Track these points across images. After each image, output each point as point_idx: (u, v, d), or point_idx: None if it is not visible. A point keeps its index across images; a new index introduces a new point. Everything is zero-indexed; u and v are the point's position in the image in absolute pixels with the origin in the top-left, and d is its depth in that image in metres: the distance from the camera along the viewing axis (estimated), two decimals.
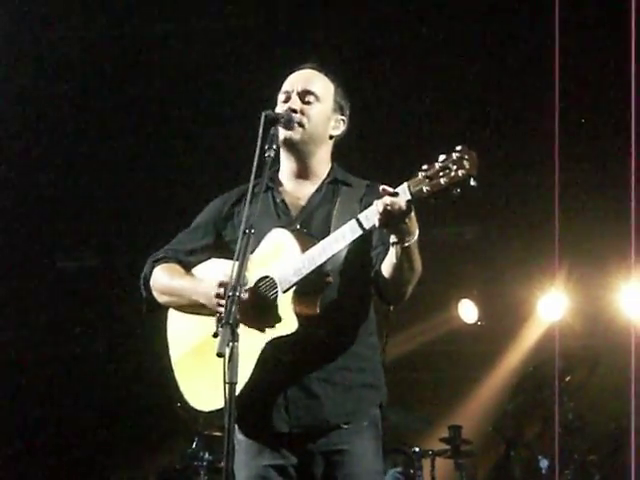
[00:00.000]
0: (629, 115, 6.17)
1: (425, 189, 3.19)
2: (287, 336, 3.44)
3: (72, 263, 8.86)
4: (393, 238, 3.35)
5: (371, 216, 3.32)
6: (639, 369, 6.67)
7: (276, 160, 3.69)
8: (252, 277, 3.51)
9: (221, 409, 3.34)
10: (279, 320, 3.47)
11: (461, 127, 7.17)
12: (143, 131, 7.69)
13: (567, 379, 7.38)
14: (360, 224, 3.35)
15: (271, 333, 3.48)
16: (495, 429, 8.01)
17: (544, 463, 7.33)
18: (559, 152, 6.61)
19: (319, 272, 3.44)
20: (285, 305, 3.46)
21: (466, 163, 3.15)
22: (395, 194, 3.24)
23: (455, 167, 3.15)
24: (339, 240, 3.40)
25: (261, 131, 3.48)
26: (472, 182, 3.16)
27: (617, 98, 6.39)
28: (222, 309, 3.31)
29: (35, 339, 8.69)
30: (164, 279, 3.76)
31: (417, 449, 6.99)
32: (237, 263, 3.23)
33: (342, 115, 3.80)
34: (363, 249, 3.55)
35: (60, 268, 8.84)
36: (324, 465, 3.56)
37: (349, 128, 3.81)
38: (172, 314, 3.82)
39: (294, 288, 3.46)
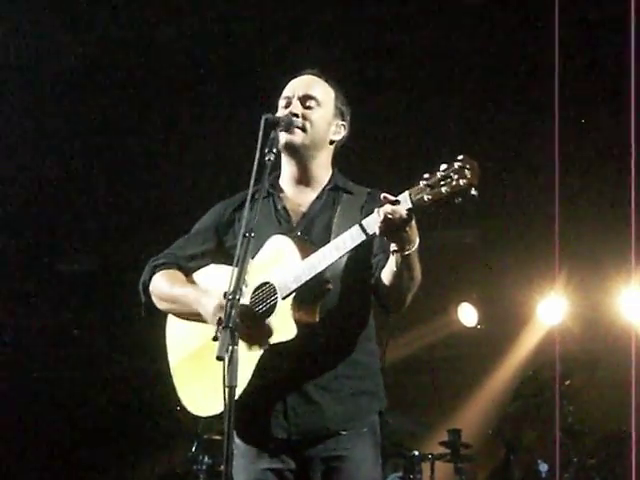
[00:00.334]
0: (629, 120, 6.17)
1: (426, 198, 3.19)
2: (286, 342, 3.43)
3: (72, 266, 8.86)
4: (393, 246, 3.35)
5: (372, 224, 3.31)
6: (639, 373, 6.67)
7: (276, 165, 3.69)
8: (252, 283, 3.49)
9: (219, 414, 3.36)
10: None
11: (462, 131, 7.18)
12: (143, 135, 7.69)
13: (567, 383, 7.37)
14: (363, 231, 3.35)
15: (270, 339, 3.47)
16: (495, 433, 8.01)
17: (544, 467, 7.33)
18: (559, 156, 6.61)
19: (319, 279, 3.43)
20: (284, 312, 3.45)
21: (467, 172, 3.15)
22: (396, 202, 3.23)
23: (456, 176, 3.15)
24: (339, 247, 3.40)
25: (261, 135, 3.48)
26: (473, 191, 3.16)
27: (617, 102, 6.39)
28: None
29: (35, 342, 8.69)
30: (164, 286, 3.76)
31: (417, 453, 7.00)
32: (237, 267, 3.22)
33: (343, 121, 3.80)
34: (363, 256, 3.55)
35: (60, 271, 8.84)
36: (322, 471, 3.56)
37: (350, 134, 3.82)
38: (171, 319, 3.82)
39: (294, 295, 3.45)
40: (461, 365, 8.53)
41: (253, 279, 3.47)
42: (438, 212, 3.21)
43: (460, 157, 3.18)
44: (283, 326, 3.44)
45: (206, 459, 6.95)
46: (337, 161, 3.84)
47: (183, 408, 3.74)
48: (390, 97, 7.24)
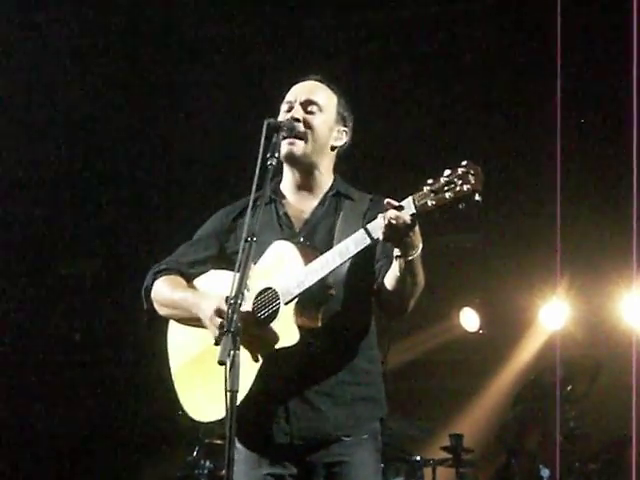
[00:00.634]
0: (631, 125, 6.17)
1: (430, 203, 3.18)
2: (288, 348, 3.43)
3: (74, 270, 8.85)
4: (397, 251, 3.34)
5: (376, 229, 3.31)
6: None
7: (278, 170, 3.68)
8: (254, 288, 3.49)
9: (220, 420, 3.35)
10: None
11: (464, 136, 7.17)
12: (144, 141, 7.69)
13: (568, 388, 7.36)
14: (366, 236, 3.34)
15: (273, 345, 3.47)
16: (496, 438, 7.99)
17: (545, 472, 7.31)
18: (561, 160, 6.62)
19: (321, 285, 3.43)
20: (287, 317, 3.45)
21: (471, 178, 3.15)
22: (400, 208, 3.23)
23: (460, 182, 3.15)
24: (342, 253, 3.40)
25: (263, 139, 3.47)
26: (477, 197, 3.15)
27: (619, 108, 6.39)
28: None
29: (36, 345, 8.68)
30: (165, 292, 3.75)
31: (418, 458, 6.97)
32: (239, 271, 3.22)
33: (345, 127, 3.80)
34: (366, 262, 3.55)
35: (62, 275, 8.84)
36: (324, 476, 3.55)
37: (352, 140, 3.81)
38: (172, 325, 3.82)
39: (296, 300, 3.45)
40: (463, 370, 8.50)
41: (255, 284, 3.47)
42: (441, 217, 3.20)
43: (464, 162, 3.18)
44: (286, 332, 3.44)
45: (207, 464, 6.92)
46: (339, 167, 3.83)
47: (185, 414, 3.73)
48: (394, 102, 7.25)
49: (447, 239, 8.29)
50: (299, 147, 3.67)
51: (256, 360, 3.46)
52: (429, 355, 8.66)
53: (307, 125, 3.68)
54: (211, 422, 3.60)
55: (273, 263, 3.56)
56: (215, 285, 3.66)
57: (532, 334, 8.50)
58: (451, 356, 8.67)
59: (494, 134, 7.36)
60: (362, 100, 4.30)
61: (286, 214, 3.74)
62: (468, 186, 3.14)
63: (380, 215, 3.27)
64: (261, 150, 3.45)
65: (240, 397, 3.17)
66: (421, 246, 3.34)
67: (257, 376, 3.46)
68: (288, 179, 3.79)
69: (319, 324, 3.46)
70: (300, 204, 3.75)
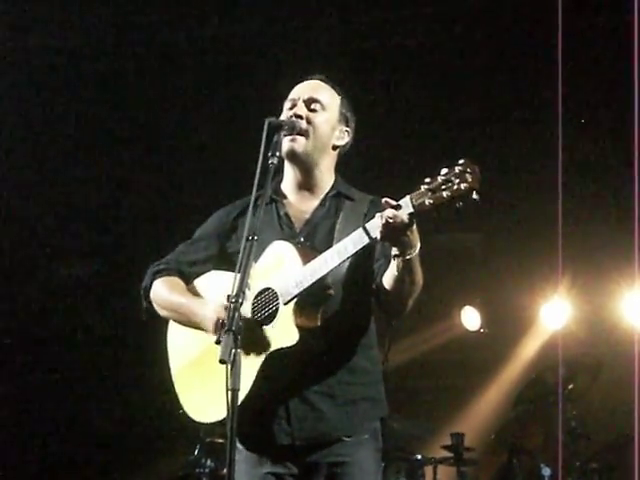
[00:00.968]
0: (633, 124, 6.17)
1: (428, 202, 3.18)
2: (288, 348, 3.43)
3: (73, 271, 8.85)
4: (395, 251, 3.34)
5: (373, 228, 3.30)
6: None
7: (279, 170, 3.68)
8: (253, 288, 3.48)
9: (221, 420, 3.35)
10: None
11: (464, 135, 7.17)
12: (143, 142, 7.69)
13: (570, 387, 7.34)
14: (364, 235, 3.34)
15: (272, 345, 3.47)
16: (497, 437, 7.99)
17: (546, 471, 7.30)
18: (562, 159, 6.62)
19: (320, 284, 3.43)
20: (286, 317, 3.45)
21: (469, 177, 3.15)
22: (397, 207, 3.23)
23: (458, 180, 3.15)
24: (341, 253, 3.39)
25: (264, 138, 3.47)
26: (475, 195, 3.15)
27: (620, 108, 6.39)
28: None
29: (36, 346, 8.68)
30: (164, 294, 3.76)
31: (419, 457, 6.98)
32: (240, 270, 3.22)
33: (347, 127, 3.79)
34: (365, 262, 3.54)
35: (62, 276, 8.84)
36: (325, 476, 3.55)
37: (354, 141, 3.81)
38: (172, 325, 3.81)
39: (295, 300, 3.45)
40: (464, 369, 8.51)
41: (254, 284, 3.47)
42: (440, 216, 3.20)
43: (461, 161, 3.18)
44: (285, 332, 3.44)
45: (209, 462, 6.92)
46: (340, 167, 3.83)
47: (185, 414, 3.73)
48: (392, 102, 7.24)
49: (448, 238, 8.30)
50: (300, 144, 3.67)
51: (256, 361, 3.46)
52: (430, 354, 8.66)
53: (309, 122, 3.68)
54: (212, 423, 3.59)
55: (272, 263, 3.56)
56: (215, 287, 3.66)
57: (533, 333, 8.51)
58: (452, 355, 8.67)
59: (494, 134, 7.36)
60: (362, 100, 4.29)
61: (287, 214, 3.73)
62: (465, 184, 3.14)
63: (378, 214, 3.27)
64: (262, 149, 3.44)
65: (240, 397, 3.17)
66: (419, 245, 3.34)
67: (257, 377, 3.46)
68: (289, 178, 3.78)
69: (318, 324, 3.45)
70: (301, 204, 3.75)
